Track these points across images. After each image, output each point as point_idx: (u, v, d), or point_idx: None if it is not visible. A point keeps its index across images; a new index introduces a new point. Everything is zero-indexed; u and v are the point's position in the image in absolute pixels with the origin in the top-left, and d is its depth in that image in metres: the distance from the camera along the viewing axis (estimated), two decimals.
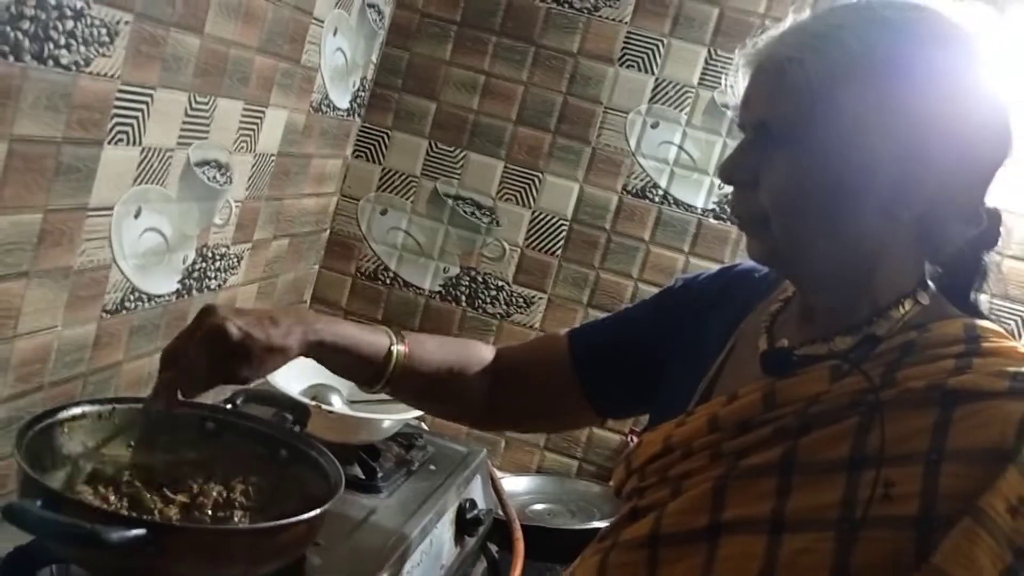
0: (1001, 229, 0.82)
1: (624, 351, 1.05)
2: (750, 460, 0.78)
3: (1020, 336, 1.71)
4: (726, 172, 0.81)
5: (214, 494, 0.97)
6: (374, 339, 0.97)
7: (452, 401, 1.08)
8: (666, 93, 1.76)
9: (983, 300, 1.67)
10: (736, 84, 0.83)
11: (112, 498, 0.94)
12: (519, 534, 1.49)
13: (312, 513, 0.90)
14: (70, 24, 0.97)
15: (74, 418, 0.97)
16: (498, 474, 1.68)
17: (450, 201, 1.86)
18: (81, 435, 0.98)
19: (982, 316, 0.82)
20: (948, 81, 0.75)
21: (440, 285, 1.89)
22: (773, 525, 0.74)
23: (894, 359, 0.77)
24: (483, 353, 1.09)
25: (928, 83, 0.75)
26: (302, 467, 1.04)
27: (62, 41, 0.97)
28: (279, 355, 0.89)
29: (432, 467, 1.44)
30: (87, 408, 0.99)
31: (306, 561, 1.04)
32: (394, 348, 0.98)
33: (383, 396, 1.46)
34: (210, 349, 0.86)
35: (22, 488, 0.82)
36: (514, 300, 1.87)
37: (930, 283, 0.83)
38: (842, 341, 0.80)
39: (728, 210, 1.75)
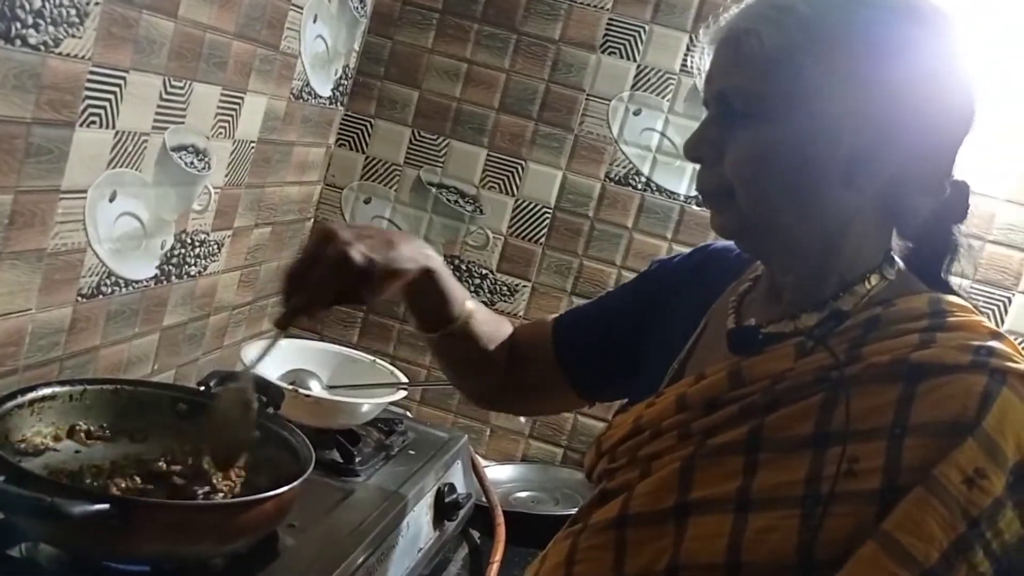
0: (969, 202, 0.82)
1: (603, 335, 1.06)
2: (717, 439, 0.78)
3: (1003, 318, 1.71)
4: (690, 148, 0.82)
5: (184, 474, 0.98)
6: (459, 286, 1.04)
7: (481, 372, 1.11)
8: (648, 80, 1.76)
9: (965, 285, 1.68)
10: (702, 63, 0.83)
11: (87, 479, 0.94)
12: (501, 519, 1.50)
13: (279, 490, 0.90)
14: (37, 3, 0.97)
15: (44, 399, 0.98)
16: (482, 462, 1.68)
17: (433, 189, 1.86)
18: (52, 416, 0.98)
19: (951, 291, 0.83)
20: (909, 49, 0.75)
21: None
22: (739, 504, 0.74)
23: (859, 335, 0.77)
24: (507, 329, 1.12)
25: (888, 51, 0.74)
26: (274, 448, 1.05)
27: (29, 21, 0.96)
28: (399, 278, 0.93)
29: (412, 452, 1.44)
30: (57, 389, 1.00)
31: (279, 541, 1.04)
32: (468, 302, 1.04)
33: (362, 381, 1.47)
34: (337, 275, 0.87)
35: None
36: (498, 288, 1.87)
37: (898, 260, 0.83)
38: (808, 318, 0.80)
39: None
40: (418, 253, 0.96)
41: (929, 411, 0.70)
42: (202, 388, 1.10)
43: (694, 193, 1.77)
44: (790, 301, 0.83)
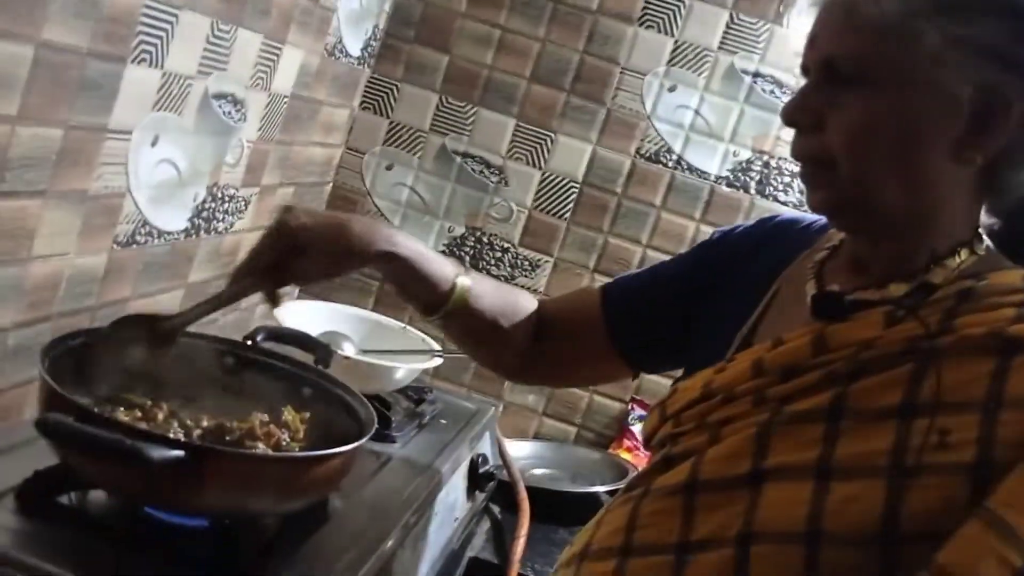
0: None
1: (657, 304, 1.03)
2: (796, 406, 0.75)
3: None
4: (789, 113, 0.79)
5: (235, 426, 0.93)
6: (443, 265, 0.98)
7: (496, 347, 1.06)
8: (685, 56, 1.74)
9: None
10: (798, 24, 0.81)
11: (139, 423, 0.89)
12: (524, 495, 1.47)
13: (348, 447, 0.86)
14: None
15: (98, 344, 0.92)
16: (503, 438, 1.66)
17: (458, 158, 1.82)
18: (102, 363, 0.93)
19: None
20: None
21: (444, 244, 1.85)
22: (820, 472, 0.72)
23: (951, 306, 0.75)
24: (528, 303, 1.07)
25: (1012, 21, 0.73)
26: (327, 406, 1.01)
27: None
28: (351, 259, 0.91)
29: (443, 421, 1.41)
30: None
31: (328, 504, 1.00)
32: (459, 279, 0.97)
33: (395, 346, 1.44)
34: (276, 244, 0.89)
35: (48, 405, 0.78)
36: (519, 263, 1.84)
37: (984, 236, 0.82)
38: (896, 288, 0.78)
39: (742, 176, 1.73)
40: (376, 238, 0.92)
41: None
42: (249, 343, 1.06)
43: (725, 173, 1.75)
44: (878, 272, 0.81)
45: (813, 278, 0.87)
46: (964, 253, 0.78)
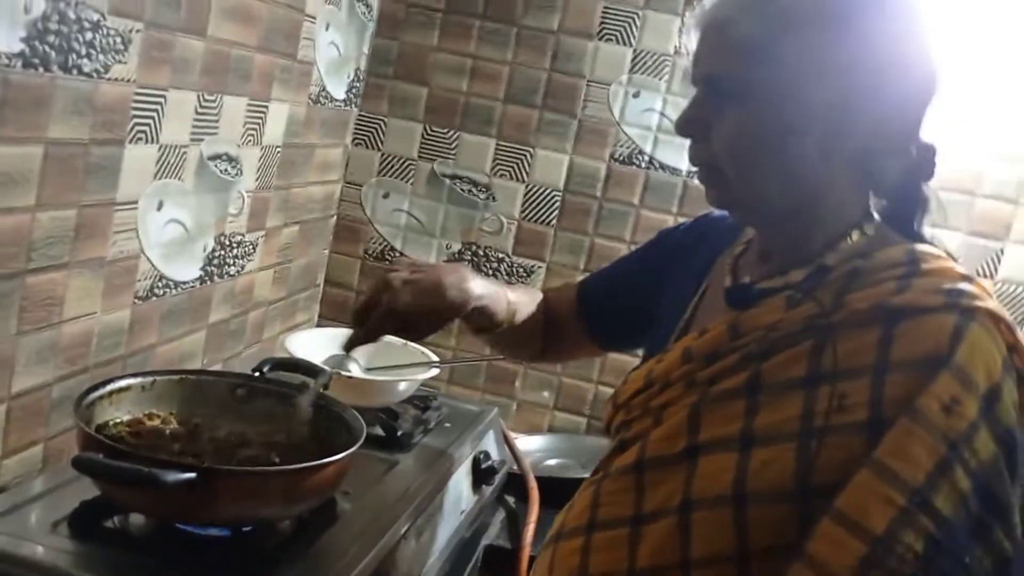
0: (935, 161, 0.90)
1: (619, 292, 1.20)
2: (720, 386, 0.85)
3: (996, 269, 1.80)
4: (681, 126, 0.89)
5: (251, 448, 1.09)
6: (500, 297, 1.16)
7: (528, 342, 1.27)
8: (645, 63, 1.85)
9: (958, 238, 1.77)
10: (689, 44, 0.92)
11: (162, 452, 1.05)
12: (533, 484, 1.60)
13: (339, 456, 1.01)
14: (89, 35, 1.07)
15: (121, 389, 1.09)
16: (511, 434, 1.79)
17: (447, 181, 1.96)
18: (127, 404, 1.09)
19: (925, 242, 0.91)
20: (877, 30, 0.83)
21: (444, 261, 1.99)
22: (743, 442, 0.81)
23: (842, 285, 0.84)
24: (538, 296, 1.27)
25: (859, 34, 0.82)
26: (327, 422, 1.15)
27: (83, 51, 1.07)
28: (447, 319, 1.11)
29: (447, 424, 1.55)
30: (131, 381, 1.11)
31: (337, 506, 1.15)
32: (511, 302, 1.17)
33: (398, 362, 1.58)
34: (387, 320, 1.08)
35: (84, 445, 0.94)
36: (515, 271, 1.97)
37: (877, 216, 0.92)
38: (797, 273, 0.88)
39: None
40: (463, 293, 1.10)
41: (907, 349, 0.78)
42: (256, 374, 1.21)
43: (695, 168, 1.86)
44: (779, 260, 0.91)
45: (729, 272, 0.98)
46: (856, 235, 0.87)
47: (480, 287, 1.13)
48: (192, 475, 0.88)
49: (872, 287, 0.83)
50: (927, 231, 0.92)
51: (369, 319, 1.09)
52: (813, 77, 0.82)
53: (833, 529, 0.75)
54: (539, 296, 1.27)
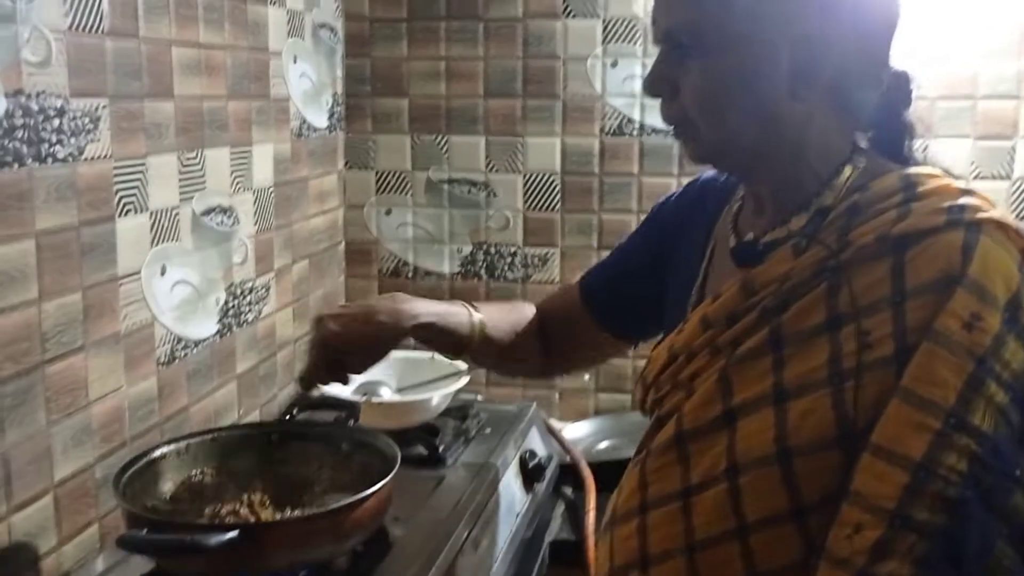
0: (912, 87, 0.89)
1: (626, 282, 1.16)
2: (744, 346, 0.84)
3: (1012, 168, 1.75)
4: (648, 86, 0.89)
5: (296, 493, 1.09)
6: (458, 312, 1.13)
7: (518, 360, 1.22)
8: (616, 31, 1.83)
9: (967, 145, 1.73)
10: (647, 5, 0.90)
11: (207, 511, 1.06)
12: (587, 472, 1.60)
13: (376, 487, 1.01)
14: (56, 122, 1.08)
15: (157, 460, 1.10)
16: (557, 424, 1.78)
17: (445, 186, 1.96)
18: (168, 472, 1.11)
19: (917, 163, 0.89)
20: None
21: (459, 265, 1.99)
22: (777, 396, 0.80)
23: (844, 223, 0.83)
24: (529, 312, 1.22)
25: None
26: (364, 454, 1.16)
27: (54, 139, 1.08)
28: (388, 344, 1.10)
29: (488, 430, 1.55)
30: (165, 449, 1.12)
31: (389, 534, 1.15)
32: (475, 318, 1.13)
33: (428, 377, 1.58)
34: (322, 355, 1.09)
35: (128, 523, 0.95)
36: (530, 261, 1.96)
37: (864, 147, 0.90)
38: (798, 220, 0.87)
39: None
40: (395, 315, 1.09)
41: (920, 274, 0.77)
42: (287, 417, 1.22)
43: (670, 127, 1.83)
44: (775, 209, 0.90)
45: (732, 231, 0.97)
46: (847, 170, 0.87)
47: (421, 307, 1.11)
48: (234, 534, 0.89)
49: (874, 219, 0.82)
50: (924, 151, 0.91)
51: (314, 370, 1.11)
52: (769, 17, 0.82)
53: (873, 463, 0.74)
54: (528, 309, 1.23)
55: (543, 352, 1.21)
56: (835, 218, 0.84)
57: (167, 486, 1.10)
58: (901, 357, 0.76)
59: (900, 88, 0.87)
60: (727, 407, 0.84)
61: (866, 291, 0.79)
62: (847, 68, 0.83)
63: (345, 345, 1.08)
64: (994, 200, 0.83)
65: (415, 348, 1.20)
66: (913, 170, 0.86)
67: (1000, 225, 0.79)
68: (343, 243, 2.01)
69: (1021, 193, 1.75)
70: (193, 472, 1.14)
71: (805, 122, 0.85)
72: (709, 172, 1.09)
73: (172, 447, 1.12)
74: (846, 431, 0.77)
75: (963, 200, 0.80)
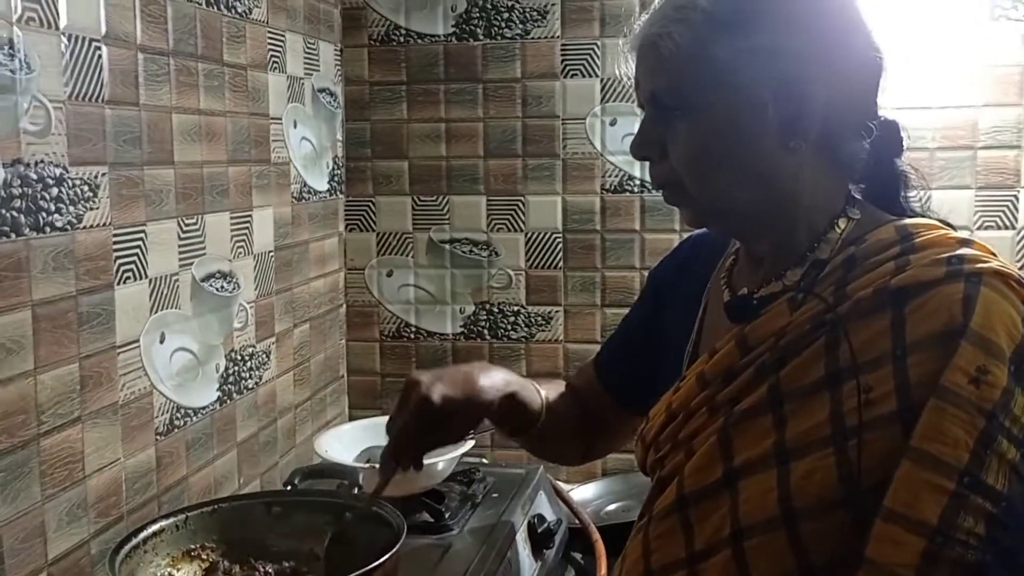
0: (903, 135, 0.88)
1: (631, 349, 1.12)
2: (743, 404, 0.82)
3: (1016, 217, 1.75)
4: (635, 150, 0.88)
5: (298, 565, 1.05)
6: (529, 386, 1.06)
7: (568, 440, 1.15)
8: (614, 90, 1.84)
9: (969, 195, 1.73)
10: (628, 69, 0.90)
11: None
12: (596, 536, 1.55)
13: (383, 558, 0.97)
14: (55, 191, 1.07)
15: (154, 535, 1.06)
16: (565, 487, 1.74)
17: (447, 246, 1.95)
18: (165, 547, 1.07)
19: (914, 214, 0.88)
20: (806, 13, 0.82)
21: (461, 326, 1.97)
22: (779, 457, 0.78)
23: (841, 276, 0.82)
24: (563, 388, 1.16)
25: (787, 19, 0.82)
26: (368, 524, 1.12)
27: (52, 207, 1.07)
28: (482, 413, 0.99)
29: (495, 495, 1.51)
30: (163, 523, 1.08)
31: None
32: (542, 394, 1.07)
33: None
34: (419, 420, 0.95)
35: None
36: (533, 321, 1.94)
37: (859, 198, 0.89)
38: (793, 274, 0.86)
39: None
40: (493, 379, 1.00)
41: (921, 327, 0.75)
42: (288, 488, 1.18)
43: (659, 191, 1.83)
44: (772, 264, 0.89)
45: (725, 285, 0.95)
46: (842, 222, 0.86)
47: (508, 374, 1.04)
48: None
49: (871, 271, 0.81)
50: (926, 203, 0.90)
51: (398, 425, 0.98)
52: (751, 73, 0.81)
53: (887, 528, 0.72)
54: (562, 386, 1.17)
55: (583, 429, 1.16)
56: (831, 271, 0.83)
57: (165, 561, 1.05)
58: (905, 414, 0.74)
59: (890, 137, 0.87)
60: (728, 468, 0.82)
61: (866, 346, 0.77)
62: (834, 117, 0.83)
63: (453, 410, 0.96)
64: (995, 250, 0.82)
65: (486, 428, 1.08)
66: (909, 221, 0.85)
67: (1001, 275, 0.77)
68: (344, 306, 2.00)
69: None
70: (192, 546, 1.09)
71: (797, 176, 0.85)
72: (698, 230, 1.08)
73: (170, 520, 1.08)
74: (851, 491, 0.75)
75: (962, 251, 0.79)
